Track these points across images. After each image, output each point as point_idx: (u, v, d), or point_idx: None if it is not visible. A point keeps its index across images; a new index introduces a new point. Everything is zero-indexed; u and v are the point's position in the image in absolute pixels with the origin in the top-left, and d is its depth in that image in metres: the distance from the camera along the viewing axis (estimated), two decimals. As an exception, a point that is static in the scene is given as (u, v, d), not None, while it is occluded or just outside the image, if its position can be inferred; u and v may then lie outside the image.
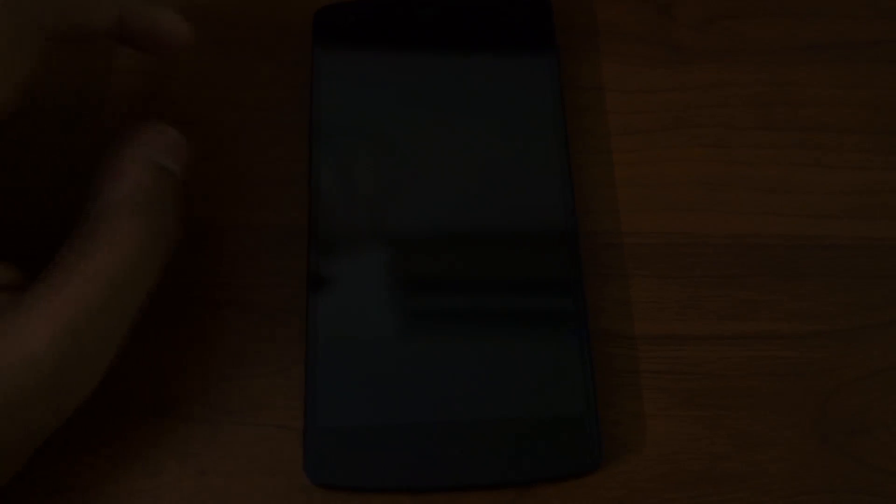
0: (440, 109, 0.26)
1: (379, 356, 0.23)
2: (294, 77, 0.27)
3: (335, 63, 0.27)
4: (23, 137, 0.21)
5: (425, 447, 0.22)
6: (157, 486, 0.22)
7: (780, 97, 0.27)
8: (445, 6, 0.27)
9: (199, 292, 0.25)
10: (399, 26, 0.27)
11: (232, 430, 0.23)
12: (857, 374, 0.24)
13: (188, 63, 0.28)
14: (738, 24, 0.28)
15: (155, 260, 0.21)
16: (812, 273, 0.25)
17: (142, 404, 0.23)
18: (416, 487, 0.22)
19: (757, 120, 0.27)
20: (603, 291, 0.25)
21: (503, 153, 0.25)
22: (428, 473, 0.22)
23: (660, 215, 0.26)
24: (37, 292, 0.19)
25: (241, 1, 0.29)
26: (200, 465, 0.23)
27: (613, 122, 0.27)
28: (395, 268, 0.24)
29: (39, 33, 0.20)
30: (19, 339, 0.19)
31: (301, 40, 0.28)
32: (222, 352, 0.24)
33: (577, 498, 0.22)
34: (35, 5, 0.20)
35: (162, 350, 0.24)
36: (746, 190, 0.26)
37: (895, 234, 0.25)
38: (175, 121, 0.27)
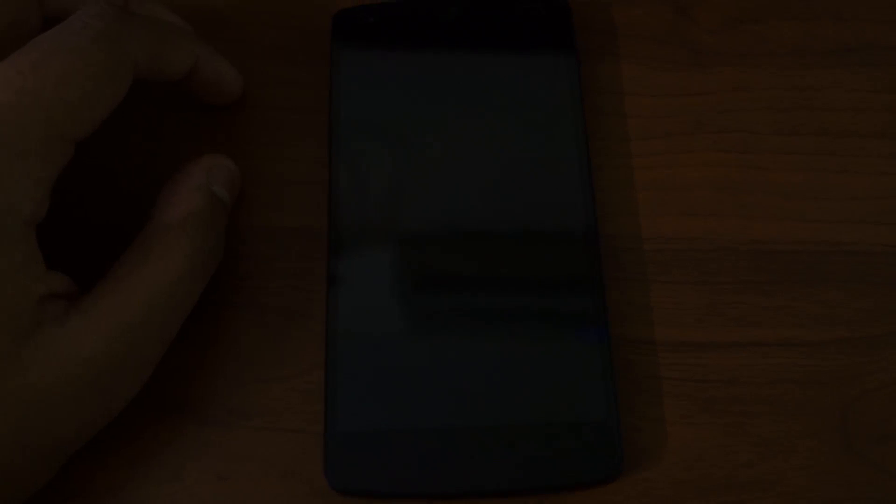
0: (459, 112, 0.26)
1: (399, 360, 0.23)
2: (313, 79, 0.27)
3: (354, 65, 0.27)
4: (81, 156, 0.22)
5: (445, 453, 0.22)
6: (176, 491, 0.22)
7: (802, 101, 0.27)
8: (464, 9, 0.27)
9: (219, 295, 0.25)
10: (418, 29, 0.27)
11: (251, 435, 0.23)
12: (879, 381, 0.23)
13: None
14: (759, 27, 0.28)
15: (201, 277, 0.23)
16: (834, 279, 0.25)
17: (160, 408, 0.23)
18: (436, 494, 0.22)
19: (778, 124, 0.27)
20: (624, 296, 0.24)
21: (523, 156, 0.25)
22: (448, 480, 0.22)
23: (680, 220, 0.25)
24: (93, 299, 0.21)
25: (260, 2, 0.28)
26: (219, 470, 0.23)
27: (633, 125, 0.27)
28: (415, 271, 0.24)
29: (132, 66, 0.22)
30: (77, 341, 0.20)
31: (320, 42, 0.28)
32: (241, 355, 0.24)
33: (597, 505, 0.22)
34: (131, 43, 0.22)
35: (180, 353, 0.24)
36: (768, 195, 0.26)
37: (918, 240, 0.25)
38: (192, 121, 0.27)
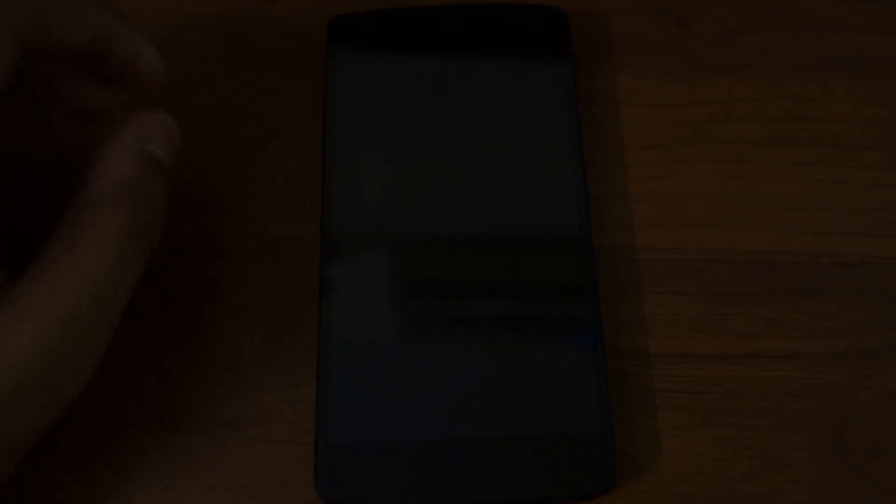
0: (455, 120, 0.26)
1: (391, 371, 0.23)
2: (308, 86, 0.27)
3: (349, 73, 0.26)
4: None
5: (437, 465, 0.22)
6: (166, 502, 0.22)
7: (799, 113, 0.27)
8: (461, 17, 0.27)
9: (211, 304, 0.24)
10: (414, 37, 0.27)
11: (242, 445, 0.23)
12: (875, 395, 0.23)
13: (201, 71, 0.27)
14: (757, 39, 0.28)
15: (141, 251, 0.20)
16: (831, 291, 0.24)
17: (151, 418, 0.23)
18: (428, 505, 0.22)
19: (775, 135, 0.27)
20: (618, 308, 0.24)
21: (518, 166, 0.25)
22: (440, 492, 0.22)
23: (676, 231, 0.25)
24: (20, 291, 0.19)
25: (255, 9, 0.28)
26: (210, 481, 0.22)
27: (629, 135, 0.27)
28: (408, 281, 0.24)
29: (11, 36, 0.19)
30: (4, 339, 0.18)
31: (315, 49, 0.28)
32: (232, 365, 0.24)
33: (591, 518, 0.22)
34: (9, 8, 0.19)
35: (171, 363, 0.24)
36: (764, 206, 0.26)
37: (914, 252, 0.25)
38: (186, 129, 0.27)
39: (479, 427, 0.22)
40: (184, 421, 0.23)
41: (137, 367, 0.23)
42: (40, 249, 0.20)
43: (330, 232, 0.24)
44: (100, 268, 0.19)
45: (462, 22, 0.27)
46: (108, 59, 0.21)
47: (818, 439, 0.23)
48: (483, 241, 0.24)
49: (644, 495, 0.22)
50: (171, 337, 0.24)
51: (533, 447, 0.22)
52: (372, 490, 0.22)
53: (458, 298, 0.24)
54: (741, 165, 0.26)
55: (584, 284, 0.24)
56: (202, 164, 0.25)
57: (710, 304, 0.24)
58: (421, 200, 0.25)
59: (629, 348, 0.24)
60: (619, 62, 0.28)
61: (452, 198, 0.25)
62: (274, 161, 0.26)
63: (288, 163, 0.26)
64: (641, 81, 0.27)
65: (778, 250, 0.25)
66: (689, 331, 0.24)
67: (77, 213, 0.20)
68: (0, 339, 0.18)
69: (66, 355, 0.19)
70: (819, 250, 0.25)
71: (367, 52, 0.27)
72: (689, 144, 0.27)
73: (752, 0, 0.28)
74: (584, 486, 0.22)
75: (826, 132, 0.27)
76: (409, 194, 0.25)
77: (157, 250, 0.24)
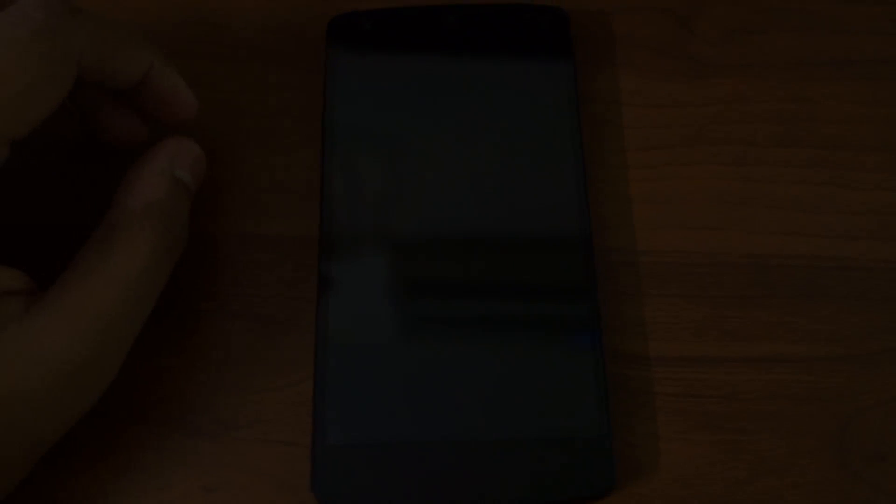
0: (454, 120, 0.26)
1: (390, 373, 0.23)
2: (307, 85, 0.27)
3: (349, 72, 0.26)
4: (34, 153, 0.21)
5: (435, 467, 0.22)
6: (161, 502, 0.22)
7: (801, 114, 0.27)
8: (461, 16, 0.27)
9: (208, 304, 0.24)
10: (414, 36, 0.27)
11: (239, 446, 0.23)
12: (877, 399, 0.23)
13: (200, 68, 0.27)
14: (759, 39, 0.28)
15: (166, 265, 0.22)
16: (832, 294, 0.24)
17: (147, 417, 0.23)
18: (426, 508, 0.22)
19: (777, 137, 0.26)
20: (618, 311, 0.24)
21: (518, 166, 0.25)
22: (437, 495, 0.21)
23: (677, 233, 0.25)
24: (54, 296, 0.20)
25: (255, 8, 0.28)
26: (207, 481, 0.22)
27: (630, 136, 0.26)
28: (406, 282, 0.24)
29: (74, 65, 0.20)
30: (39, 340, 0.19)
31: (315, 48, 0.27)
32: (231, 365, 0.24)
33: (589, 521, 0.22)
34: (75, 39, 0.20)
35: (169, 362, 0.24)
36: (766, 208, 0.25)
37: (917, 255, 0.25)
38: (186, 127, 0.26)
39: (478, 429, 0.22)
40: (181, 421, 0.23)
41: (135, 367, 0.23)
42: (69, 258, 0.21)
43: (329, 231, 0.24)
44: (131, 278, 0.21)
45: (462, 21, 0.27)
46: (150, 93, 0.23)
47: (819, 443, 0.23)
48: (482, 243, 0.24)
49: (643, 499, 0.22)
50: (169, 336, 0.24)
51: (532, 450, 0.22)
52: (369, 492, 0.21)
53: (457, 300, 0.23)
54: (743, 167, 0.26)
55: (584, 286, 0.23)
56: (206, 169, 0.25)
57: (710, 308, 0.24)
58: (420, 200, 0.25)
59: (629, 351, 0.24)
60: (620, 62, 0.27)
61: (452, 198, 0.25)
62: (272, 159, 0.26)
63: (286, 161, 0.26)
64: (642, 81, 0.27)
65: (780, 253, 0.25)
66: (689, 334, 0.24)
67: (111, 227, 0.21)
68: (36, 339, 0.19)
69: (95, 358, 0.20)
70: (821, 253, 0.25)
71: (367, 51, 0.27)
72: (691, 145, 0.26)
73: (754, 0, 0.28)
74: (583, 489, 0.21)
75: (828, 134, 0.27)
76: (408, 194, 0.25)
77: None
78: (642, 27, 0.28)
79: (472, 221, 0.24)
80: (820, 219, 0.25)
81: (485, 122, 0.26)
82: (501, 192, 0.25)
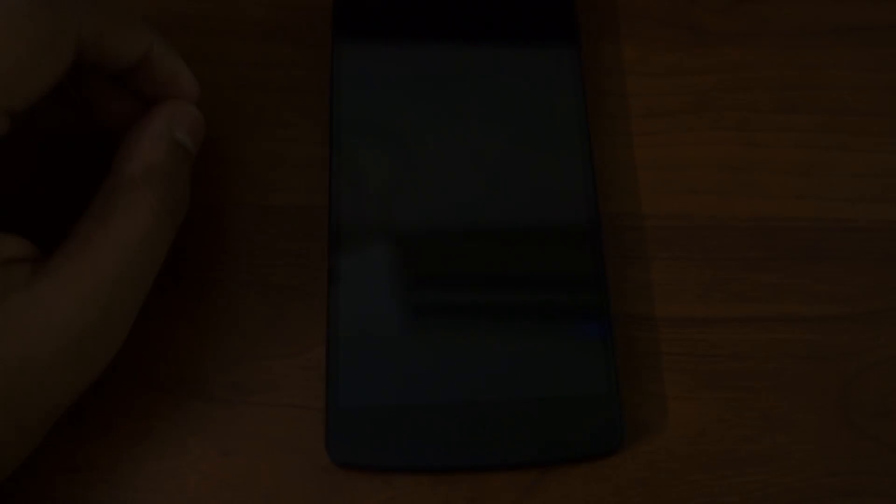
0: (460, 94, 0.26)
1: (400, 336, 0.23)
2: (313, 59, 0.27)
3: (355, 46, 0.27)
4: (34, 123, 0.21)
5: (447, 427, 0.22)
6: (179, 467, 0.23)
7: (803, 80, 0.27)
8: (465, -12, 0.27)
9: (220, 273, 0.25)
10: (419, 10, 0.27)
11: (253, 411, 0.23)
12: (879, 356, 0.23)
13: (207, 43, 0.28)
14: (761, 7, 0.28)
15: (168, 229, 0.22)
16: (834, 256, 0.25)
17: (163, 384, 0.23)
18: (437, 467, 0.22)
19: (779, 103, 0.27)
20: (625, 274, 0.25)
21: (524, 137, 0.25)
22: (449, 454, 0.22)
23: (681, 198, 0.25)
24: (58, 262, 0.20)
25: (262, -18, 0.29)
26: (222, 446, 0.23)
27: (635, 105, 0.27)
28: (417, 249, 0.24)
29: (74, 39, 0.20)
30: (44, 308, 0.19)
31: (323, 24, 0.28)
32: (243, 332, 0.24)
33: (598, 479, 0.22)
34: (75, 13, 0.20)
35: (183, 330, 0.24)
36: (769, 173, 0.26)
37: (919, 217, 0.25)
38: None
39: (488, 390, 0.22)
40: (196, 387, 0.23)
41: (151, 335, 0.24)
42: (71, 226, 0.21)
43: (338, 201, 0.24)
44: (133, 243, 0.21)
45: (467, -8, 0.27)
46: (150, 76, 0.23)
47: (823, 401, 0.23)
48: (491, 211, 0.24)
49: (650, 456, 0.23)
50: (182, 305, 0.24)
51: (541, 409, 0.22)
52: (383, 452, 0.22)
53: (465, 265, 0.24)
54: (746, 133, 0.26)
55: (591, 251, 0.24)
56: (209, 135, 0.25)
57: (715, 270, 0.25)
58: (427, 172, 0.25)
59: (635, 313, 0.24)
60: (623, 32, 0.28)
61: (459, 169, 0.25)
62: (280, 132, 0.26)
63: (295, 134, 0.26)
64: (646, 50, 0.27)
65: (783, 216, 0.25)
66: (694, 296, 0.24)
67: (111, 192, 0.21)
68: (43, 305, 0.19)
69: (102, 323, 0.20)
70: (824, 216, 0.25)
71: (373, 25, 0.27)
72: (695, 113, 0.27)
73: (757, -32, 0.29)
74: (592, 447, 0.22)
75: (831, 99, 0.27)
76: (415, 167, 0.25)
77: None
78: (645, -3, 0.28)
79: (480, 192, 0.25)
80: (822, 182, 0.26)
81: (491, 96, 0.26)
82: (509, 164, 0.25)
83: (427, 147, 0.25)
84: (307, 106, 0.27)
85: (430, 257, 0.24)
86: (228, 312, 0.24)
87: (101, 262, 0.20)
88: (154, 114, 0.23)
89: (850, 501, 0.22)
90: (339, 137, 0.25)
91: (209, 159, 0.26)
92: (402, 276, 0.24)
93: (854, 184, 0.26)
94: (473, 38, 0.27)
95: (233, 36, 0.28)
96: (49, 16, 0.20)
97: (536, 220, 0.24)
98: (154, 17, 0.28)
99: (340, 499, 0.22)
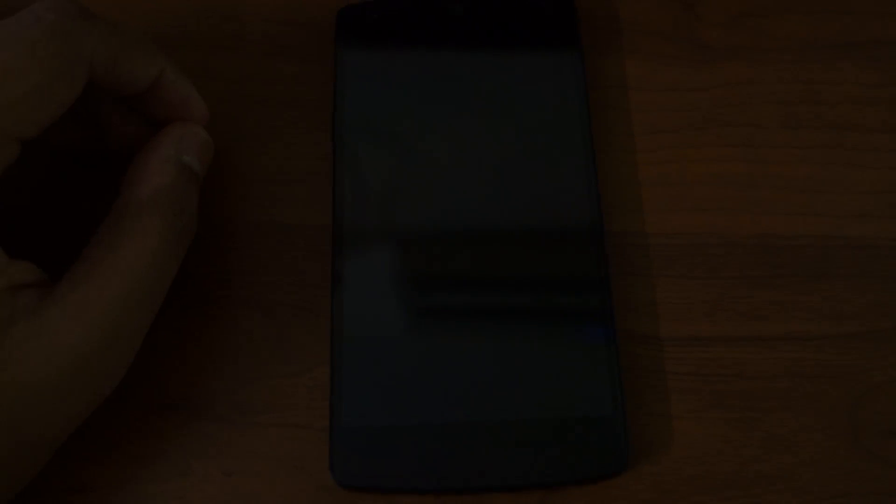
0: (464, 108, 0.26)
1: (404, 356, 0.23)
2: (317, 75, 0.27)
3: (358, 62, 0.27)
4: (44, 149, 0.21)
5: (451, 448, 0.22)
6: (182, 487, 0.22)
7: (809, 96, 0.27)
8: (468, 4, 0.27)
9: (224, 291, 0.25)
10: (422, 25, 0.27)
11: (257, 431, 0.23)
12: (887, 376, 0.23)
13: (210, 60, 0.28)
14: (765, 22, 0.28)
15: (176, 254, 0.22)
16: (842, 274, 0.24)
17: (166, 404, 0.23)
18: (442, 489, 0.22)
19: (785, 119, 0.27)
20: (630, 292, 0.24)
21: (528, 152, 0.25)
22: (453, 475, 0.22)
23: (686, 215, 0.25)
24: (67, 286, 0.20)
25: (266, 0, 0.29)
26: (226, 466, 0.23)
27: (638, 120, 0.27)
28: (420, 267, 0.24)
29: (86, 67, 0.20)
30: (50, 334, 0.19)
31: (325, 39, 0.28)
32: (246, 351, 0.24)
33: (603, 500, 0.22)
34: (88, 41, 0.20)
35: (186, 349, 0.24)
36: (774, 190, 0.26)
37: (926, 234, 0.25)
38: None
39: (493, 410, 0.22)
40: (199, 407, 0.23)
41: (152, 355, 0.24)
42: (78, 251, 0.21)
43: (342, 219, 0.24)
44: (141, 268, 0.21)
45: (470, 10, 0.27)
46: (160, 101, 0.23)
47: (831, 421, 0.23)
48: (493, 228, 0.24)
49: (656, 477, 0.22)
50: (186, 324, 0.24)
51: (546, 430, 0.22)
52: (387, 473, 0.22)
53: (469, 283, 0.24)
54: (751, 149, 0.26)
55: (596, 269, 0.24)
56: (215, 152, 0.25)
57: (721, 288, 0.24)
58: (431, 189, 0.25)
59: (641, 332, 0.24)
60: (627, 47, 0.28)
61: (462, 185, 0.25)
62: (284, 149, 0.26)
63: (298, 150, 0.26)
64: (650, 66, 0.27)
65: (789, 234, 0.25)
66: (700, 314, 0.24)
67: (118, 216, 0.21)
68: (49, 332, 0.19)
69: (109, 349, 0.20)
70: (830, 233, 0.25)
71: (376, 40, 0.27)
72: (699, 129, 0.27)
73: (761, -17, 0.29)
74: (597, 468, 0.22)
75: (836, 115, 0.27)
76: (418, 184, 0.25)
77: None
78: (648, 12, 0.28)
79: (483, 207, 0.25)
80: (828, 198, 0.25)
81: (494, 111, 0.26)
82: (512, 179, 0.25)
83: (429, 164, 0.25)
84: (310, 121, 0.27)
85: (435, 277, 0.24)
86: (231, 331, 0.24)
87: (108, 287, 0.20)
88: (162, 136, 0.23)
89: (858, 523, 0.22)
90: (342, 154, 0.25)
91: (211, 175, 0.26)
92: (406, 296, 0.24)
93: (861, 200, 0.25)
94: (476, 55, 0.27)
95: (236, 52, 0.28)
96: (62, 44, 0.20)
97: (540, 238, 0.24)
98: (160, 34, 0.28)
99: (344, 520, 0.22)
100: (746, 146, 0.26)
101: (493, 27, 0.27)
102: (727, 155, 0.26)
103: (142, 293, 0.21)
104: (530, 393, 0.22)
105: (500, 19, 0.27)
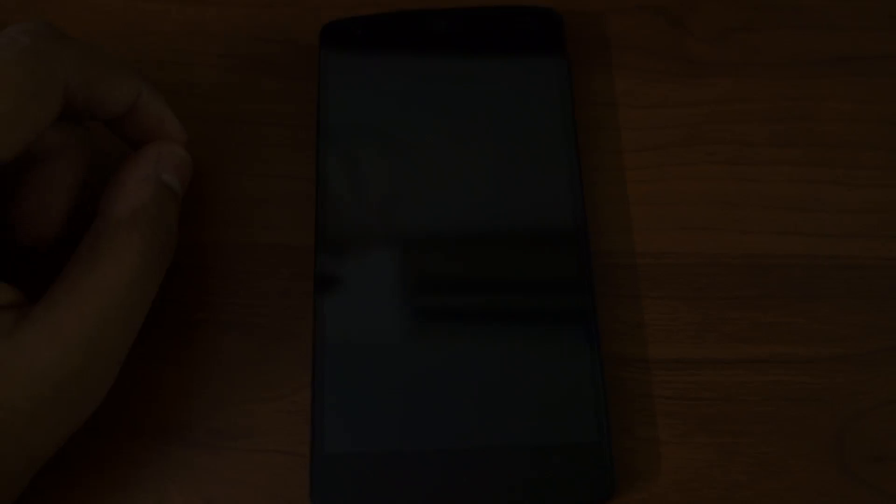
0: (449, 125, 0.26)
1: (387, 381, 0.22)
2: (301, 93, 0.27)
3: (342, 78, 0.26)
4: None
5: (434, 474, 0.22)
6: (161, 514, 0.22)
7: (796, 112, 0.27)
8: (454, 20, 0.27)
9: (204, 314, 0.24)
10: (407, 41, 0.27)
11: (236, 457, 0.23)
12: (876, 399, 0.23)
13: (193, 78, 0.27)
14: (753, 38, 0.28)
15: (156, 272, 0.22)
16: (830, 294, 0.24)
17: (145, 429, 0.23)
18: (425, 516, 0.22)
19: (772, 136, 0.26)
20: (616, 313, 0.24)
21: (514, 170, 0.25)
22: (436, 502, 0.21)
23: (673, 235, 0.25)
24: (43, 309, 0.20)
25: (248, 16, 0.28)
26: (204, 493, 0.22)
27: (626, 137, 0.26)
28: (402, 291, 0.24)
29: (60, 89, 0.20)
30: (27, 356, 0.19)
31: (308, 56, 0.27)
32: (227, 376, 0.24)
33: (589, 527, 0.22)
34: (62, 64, 0.20)
35: (165, 373, 0.24)
36: (762, 208, 0.25)
37: (914, 253, 0.25)
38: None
39: (477, 436, 0.22)
40: (178, 432, 0.23)
41: (131, 378, 0.23)
42: (58, 271, 0.20)
43: (323, 241, 0.24)
44: (120, 287, 0.20)
45: (456, 26, 0.27)
46: (137, 123, 0.23)
47: (817, 445, 0.23)
48: (479, 249, 0.24)
49: (643, 503, 0.22)
50: (164, 347, 0.24)
51: (531, 456, 0.22)
52: (367, 500, 0.21)
53: (453, 307, 0.23)
54: (739, 167, 0.26)
55: (582, 290, 0.23)
56: (194, 172, 0.25)
57: (708, 309, 0.24)
58: (416, 207, 0.24)
59: (627, 355, 0.24)
60: (614, 63, 0.27)
61: (448, 203, 0.24)
62: (266, 168, 0.26)
63: (281, 170, 0.26)
64: (637, 82, 0.27)
65: (776, 253, 0.25)
66: (687, 336, 0.24)
67: (97, 236, 0.21)
68: (26, 354, 0.19)
69: (87, 372, 0.20)
70: (818, 252, 0.25)
71: (361, 57, 0.26)
72: (687, 146, 0.26)
73: (748, -1, 0.28)
74: (583, 495, 0.21)
75: (824, 131, 0.26)
76: (403, 200, 0.25)
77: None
78: (636, 28, 0.28)
79: (468, 227, 0.24)
80: (817, 217, 0.25)
81: (481, 126, 0.25)
82: (498, 197, 0.25)
83: (414, 181, 0.25)
84: (294, 141, 0.26)
85: (417, 299, 0.23)
86: (212, 355, 0.24)
87: (86, 307, 0.20)
88: (140, 155, 0.23)
89: (845, 549, 0.22)
90: (325, 174, 0.25)
91: (192, 196, 0.25)
92: (389, 320, 0.23)
93: (849, 219, 0.25)
94: (462, 71, 0.26)
95: (217, 69, 0.27)
96: (36, 66, 0.20)
97: (525, 259, 0.24)
98: (141, 53, 0.27)
99: (325, 549, 0.22)
100: (734, 164, 0.26)
101: (479, 43, 0.27)
102: (715, 172, 0.26)
103: (121, 312, 0.20)
104: (515, 418, 0.22)
105: (485, 35, 0.27)
